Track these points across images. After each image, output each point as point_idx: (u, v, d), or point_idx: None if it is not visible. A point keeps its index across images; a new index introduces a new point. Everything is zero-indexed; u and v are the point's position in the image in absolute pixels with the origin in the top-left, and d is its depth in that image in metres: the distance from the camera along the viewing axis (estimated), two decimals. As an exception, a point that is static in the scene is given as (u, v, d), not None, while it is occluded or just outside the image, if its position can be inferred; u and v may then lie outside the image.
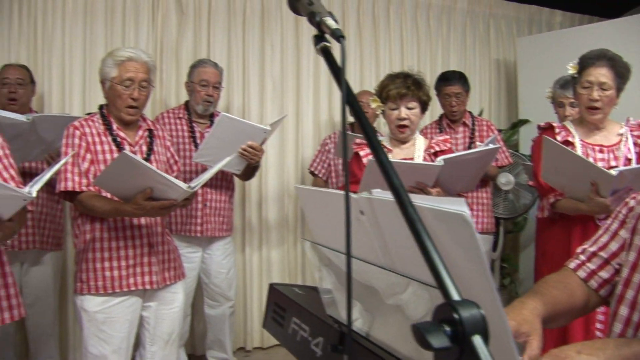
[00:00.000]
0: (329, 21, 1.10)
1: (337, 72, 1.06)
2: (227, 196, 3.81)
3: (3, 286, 2.26)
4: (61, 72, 4.19)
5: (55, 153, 3.41)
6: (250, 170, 3.57)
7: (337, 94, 4.79)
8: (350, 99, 1.01)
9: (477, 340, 0.69)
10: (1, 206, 1.93)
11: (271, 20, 4.65)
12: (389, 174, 0.87)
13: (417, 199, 0.88)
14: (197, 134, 3.73)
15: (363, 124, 0.98)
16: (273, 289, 2.13)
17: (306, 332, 1.71)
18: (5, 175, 2.27)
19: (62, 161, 2.13)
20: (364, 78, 4.90)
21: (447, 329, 0.70)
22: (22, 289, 3.62)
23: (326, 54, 1.10)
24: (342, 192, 1.19)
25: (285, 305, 1.95)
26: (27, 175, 3.48)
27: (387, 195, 1.01)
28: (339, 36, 1.06)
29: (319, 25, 1.12)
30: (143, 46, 4.36)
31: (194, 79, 3.72)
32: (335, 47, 1.07)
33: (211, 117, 3.81)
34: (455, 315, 0.69)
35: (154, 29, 4.42)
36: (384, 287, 1.19)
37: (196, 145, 3.67)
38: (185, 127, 3.74)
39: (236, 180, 3.92)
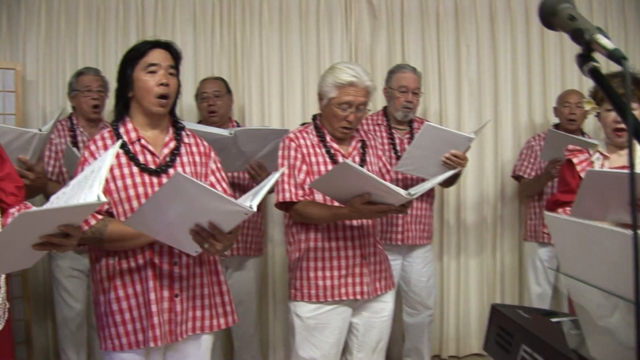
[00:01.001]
0: (603, 40, 0.99)
1: (615, 97, 0.95)
2: (427, 204, 3.75)
3: (219, 294, 2.37)
4: (260, 82, 4.37)
5: (255, 164, 3.49)
6: (452, 178, 3.47)
7: (537, 95, 4.54)
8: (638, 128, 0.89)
9: None
10: (224, 220, 2.01)
11: (465, 19, 4.51)
12: None
13: None
14: (397, 140, 3.69)
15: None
16: (496, 310, 2.04)
17: (540, 362, 1.60)
18: (218, 188, 2.37)
19: (278, 174, 2.17)
20: (566, 76, 4.58)
21: None
22: (227, 291, 3.82)
23: (598, 76, 0.99)
24: (615, 229, 1.08)
25: (511, 330, 1.85)
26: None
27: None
28: (619, 58, 0.94)
29: (588, 44, 1.01)
30: (337, 53, 4.44)
31: (393, 85, 3.68)
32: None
33: (410, 122, 3.76)
34: None
35: (347, 35, 4.48)
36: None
37: (396, 152, 3.64)
38: (384, 134, 3.72)
39: (436, 187, 3.84)
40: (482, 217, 4.50)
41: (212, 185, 2.37)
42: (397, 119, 3.72)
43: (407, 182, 3.62)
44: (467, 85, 4.50)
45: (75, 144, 3.56)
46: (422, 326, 3.88)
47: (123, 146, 2.25)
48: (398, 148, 3.66)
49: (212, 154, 2.45)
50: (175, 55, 2.33)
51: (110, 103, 3.88)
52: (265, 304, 4.29)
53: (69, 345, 3.70)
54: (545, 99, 4.53)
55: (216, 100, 3.76)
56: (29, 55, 4.15)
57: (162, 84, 2.23)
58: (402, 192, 2.40)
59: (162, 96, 2.25)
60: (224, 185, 2.42)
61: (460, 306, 4.50)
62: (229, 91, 3.90)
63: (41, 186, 2.76)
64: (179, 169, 2.28)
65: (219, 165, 2.46)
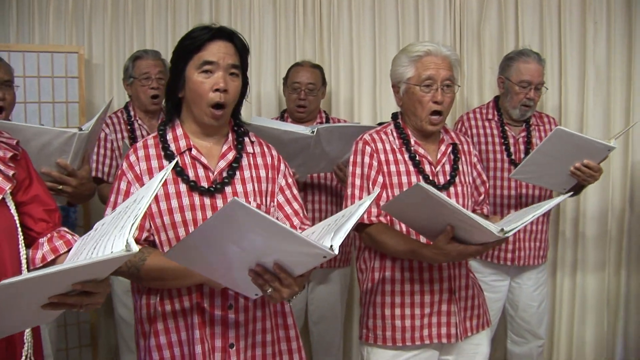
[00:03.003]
0: None
1: None
2: (544, 217, 3.16)
3: (285, 339, 1.98)
4: (349, 68, 3.93)
5: (343, 165, 3.00)
6: (577, 187, 2.87)
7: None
8: None
9: None
10: (295, 261, 1.55)
11: (594, -9, 3.81)
12: None
13: None
14: (511, 140, 3.11)
15: None
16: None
17: None
18: (288, 210, 1.95)
19: (368, 201, 1.65)
20: None
21: None
22: (309, 306, 3.47)
23: None
24: None
25: None
26: (312, 187, 3.29)
27: None
28: None
29: None
30: (439, 33, 3.92)
31: (512, 77, 3.05)
32: None
33: (527, 118, 3.16)
34: None
35: (451, 12, 3.91)
36: None
37: (509, 154, 3.09)
38: (495, 132, 3.14)
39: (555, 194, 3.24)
40: (604, 228, 3.83)
41: (279, 205, 1.94)
42: (512, 117, 3.13)
43: (520, 192, 3.08)
44: (593, 72, 3.79)
45: (133, 139, 3.18)
46: (529, 358, 3.34)
47: (170, 158, 1.84)
48: (512, 149, 3.10)
49: (282, 167, 2.00)
50: (241, 49, 1.86)
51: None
52: (350, 315, 3.85)
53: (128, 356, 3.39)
54: (690, 88, 3.79)
55: (308, 95, 3.33)
56: (95, 38, 3.87)
57: (218, 90, 1.78)
58: (493, 228, 1.84)
59: (217, 105, 1.80)
60: (296, 206, 1.97)
61: (574, 331, 3.87)
62: (324, 83, 3.45)
63: (87, 192, 2.41)
64: (238, 187, 1.86)
65: (291, 180, 2.01)
